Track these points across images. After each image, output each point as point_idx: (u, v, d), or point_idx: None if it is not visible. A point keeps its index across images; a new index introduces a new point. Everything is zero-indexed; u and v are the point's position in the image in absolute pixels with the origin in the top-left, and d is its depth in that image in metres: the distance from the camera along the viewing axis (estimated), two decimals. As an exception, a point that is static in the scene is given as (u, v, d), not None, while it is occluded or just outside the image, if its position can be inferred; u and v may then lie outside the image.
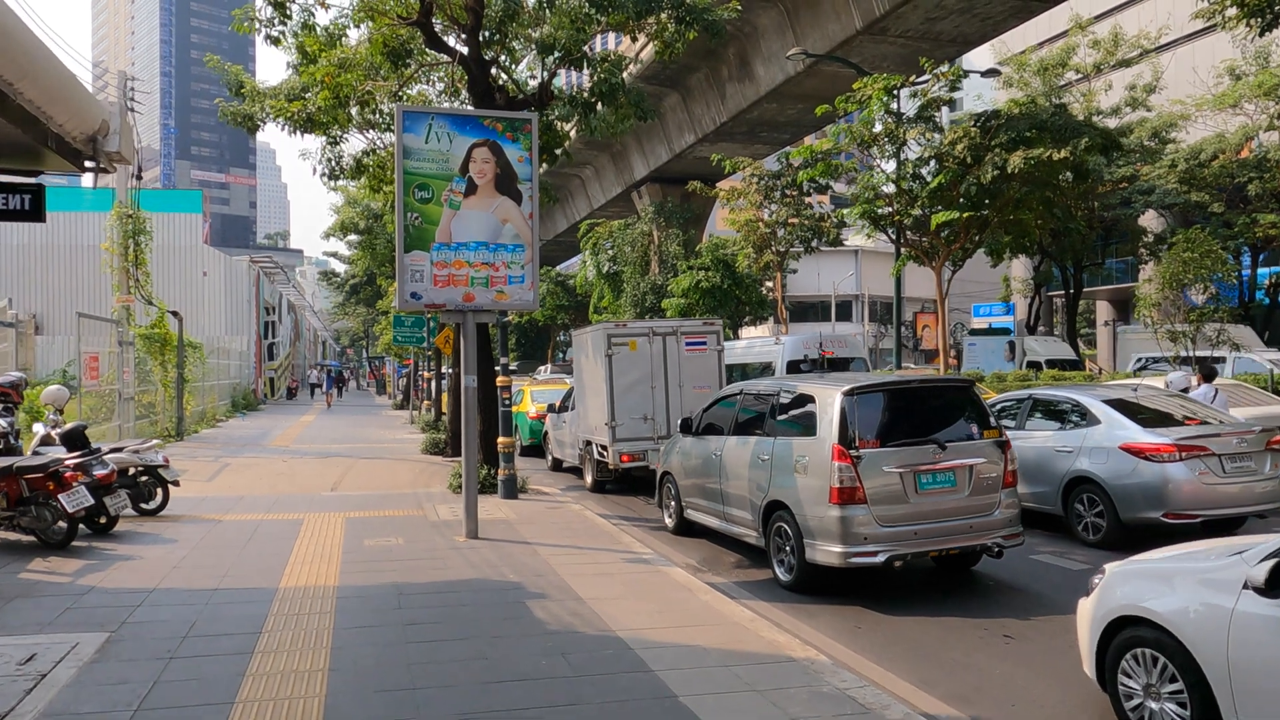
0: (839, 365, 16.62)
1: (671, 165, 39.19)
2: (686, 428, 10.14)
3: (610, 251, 46.88)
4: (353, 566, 7.79)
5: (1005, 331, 45.23)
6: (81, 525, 8.94)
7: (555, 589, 7.07)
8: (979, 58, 43.20)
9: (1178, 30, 35.73)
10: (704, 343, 13.68)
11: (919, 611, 7.09)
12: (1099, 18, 35.93)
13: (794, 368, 16.29)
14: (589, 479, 14.37)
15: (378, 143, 15.02)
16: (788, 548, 7.89)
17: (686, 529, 10.29)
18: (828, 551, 7.36)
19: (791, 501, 7.80)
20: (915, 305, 74.31)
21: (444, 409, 24.20)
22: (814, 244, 30.68)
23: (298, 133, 14.08)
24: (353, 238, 41.38)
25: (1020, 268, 43.18)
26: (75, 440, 9.01)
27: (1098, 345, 49.45)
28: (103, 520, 8.96)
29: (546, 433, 17.58)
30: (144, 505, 10.11)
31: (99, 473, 8.72)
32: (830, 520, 7.34)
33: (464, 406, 9.29)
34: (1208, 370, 12.21)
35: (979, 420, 7.83)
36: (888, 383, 7.94)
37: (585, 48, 12.68)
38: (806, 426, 7.90)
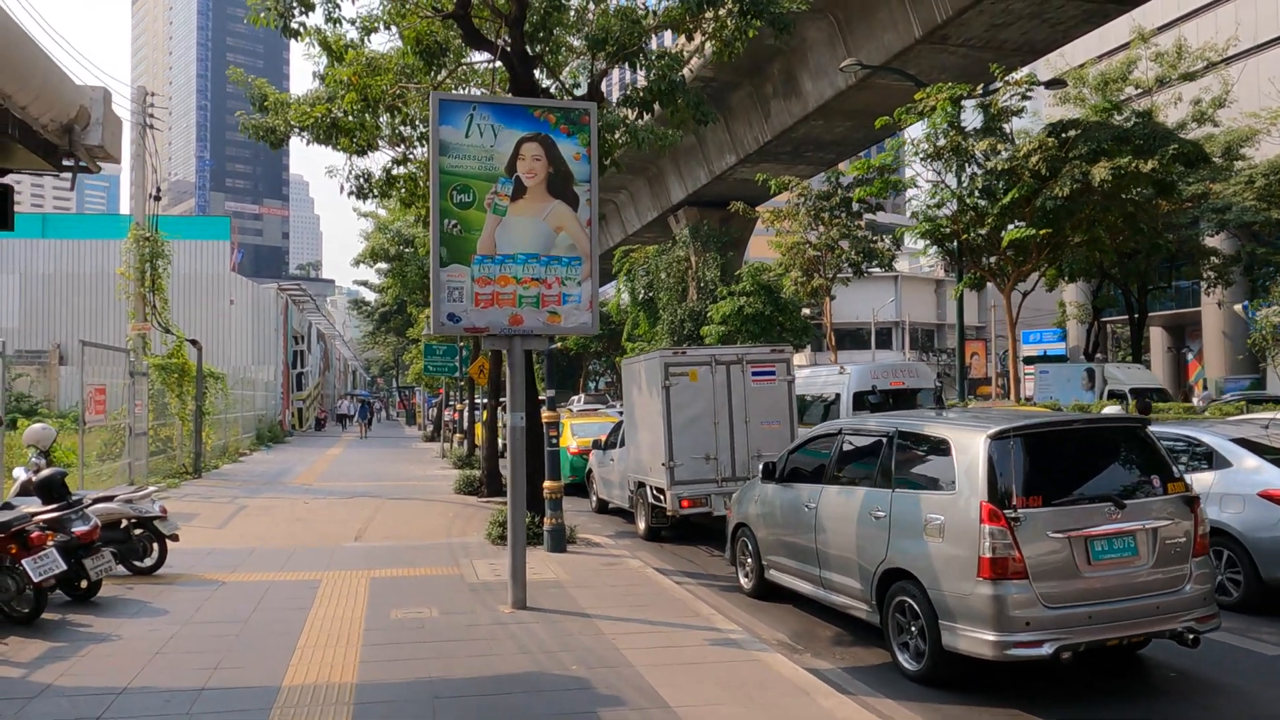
0: (907, 397, 15.01)
1: (710, 188, 37.84)
2: (769, 473, 8.59)
3: (646, 278, 45.60)
4: (376, 651, 6.30)
5: (1061, 359, 43.22)
6: (60, 590, 7.56)
7: (631, 689, 5.53)
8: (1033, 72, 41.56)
9: (1248, 40, 33.94)
10: (772, 372, 12.16)
11: (1096, 717, 5.48)
12: (1161, 29, 34.24)
13: (861, 400, 14.72)
14: (642, 525, 12.83)
15: (410, 155, 13.72)
16: (914, 628, 6.31)
17: (767, 592, 8.73)
18: (975, 639, 5.77)
19: (920, 571, 6.22)
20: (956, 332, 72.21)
21: (478, 441, 22.83)
22: (865, 267, 29.08)
23: (322, 143, 12.82)
24: (382, 265, 40.53)
25: (1074, 292, 41.28)
26: (53, 490, 7.66)
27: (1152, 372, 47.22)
28: (83, 585, 7.56)
29: (590, 470, 16.08)
30: (137, 563, 8.72)
31: (78, 529, 7.33)
32: (979, 599, 5.76)
33: (510, 450, 7.82)
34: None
35: (1159, 469, 6.22)
36: (1046, 424, 6.35)
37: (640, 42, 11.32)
38: (938, 478, 6.34)
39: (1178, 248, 31.04)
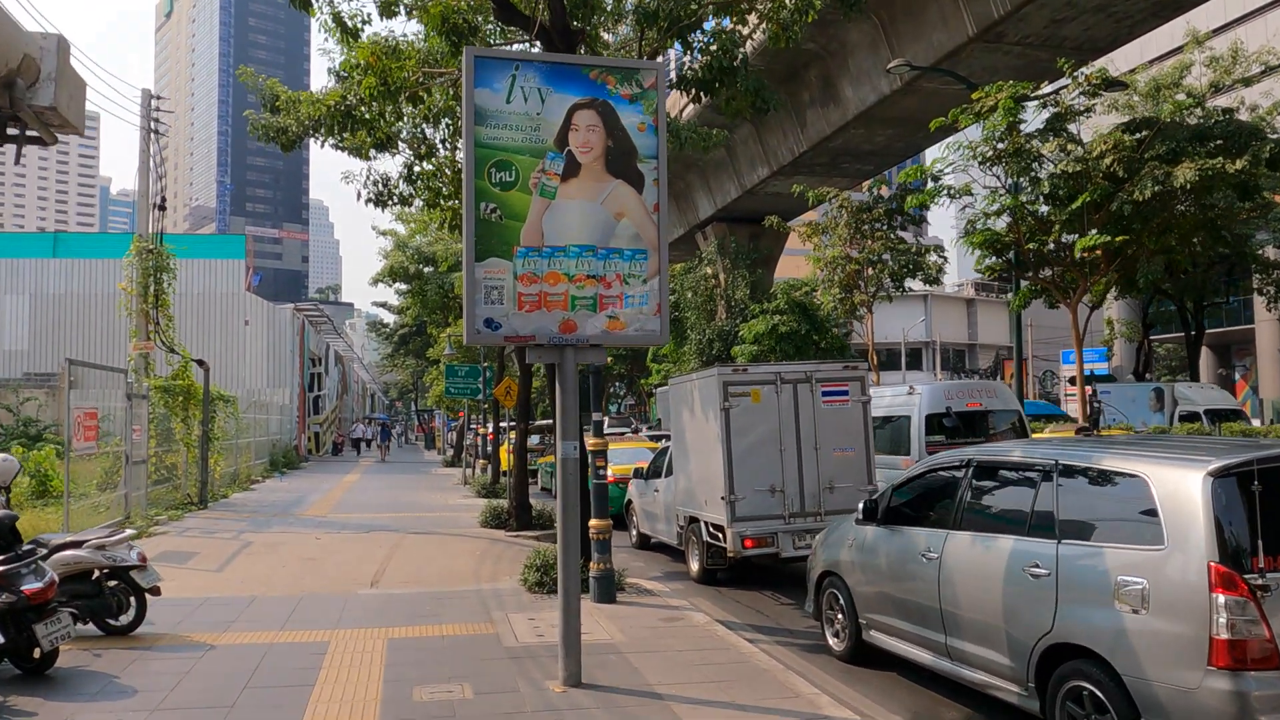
0: (984, 420, 13.46)
1: (740, 202, 36.46)
2: (870, 513, 7.09)
3: (672, 296, 44.24)
4: (395, 752, 4.83)
5: (1108, 379, 41.37)
6: (9, 661, 6.15)
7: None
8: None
9: (1310, 42, 32.29)
10: (845, 392, 10.67)
11: None
12: (1217, 31, 32.72)
13: (934, 424, 13.19)
14: (694, 566, 11.31)
15: (434, 154, 12.38)
16: (1098, 725, 4.79)
17: (864, 656, 7.22)
18: (1205, 751, 4.24)
19: (1109, 651, 4.71)
20: (988, 352, 70.41)
21: (504, 467, 21.39)
22: (909, 283, 27.55)
23: (337, 137, 11.52)
24: (401, 286, 39.33)
25: (1119, 309, 39.54)
26: (1, 538, 6.26)
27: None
28: (36, 655, 6.14)
29: (629, 502, 14.59)
30: (111, 621, 7.30)
31: (28, 587, 5.92)
32: (1210, 696, 4.24)
33: (560, 487, 6.38)
34: None
35: None
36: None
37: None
38: (1133, 527, 4.83)
39: (1235, 260, 29.37)
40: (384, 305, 64.75)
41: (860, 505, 7.22)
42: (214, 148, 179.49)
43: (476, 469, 25.54)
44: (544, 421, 35.66)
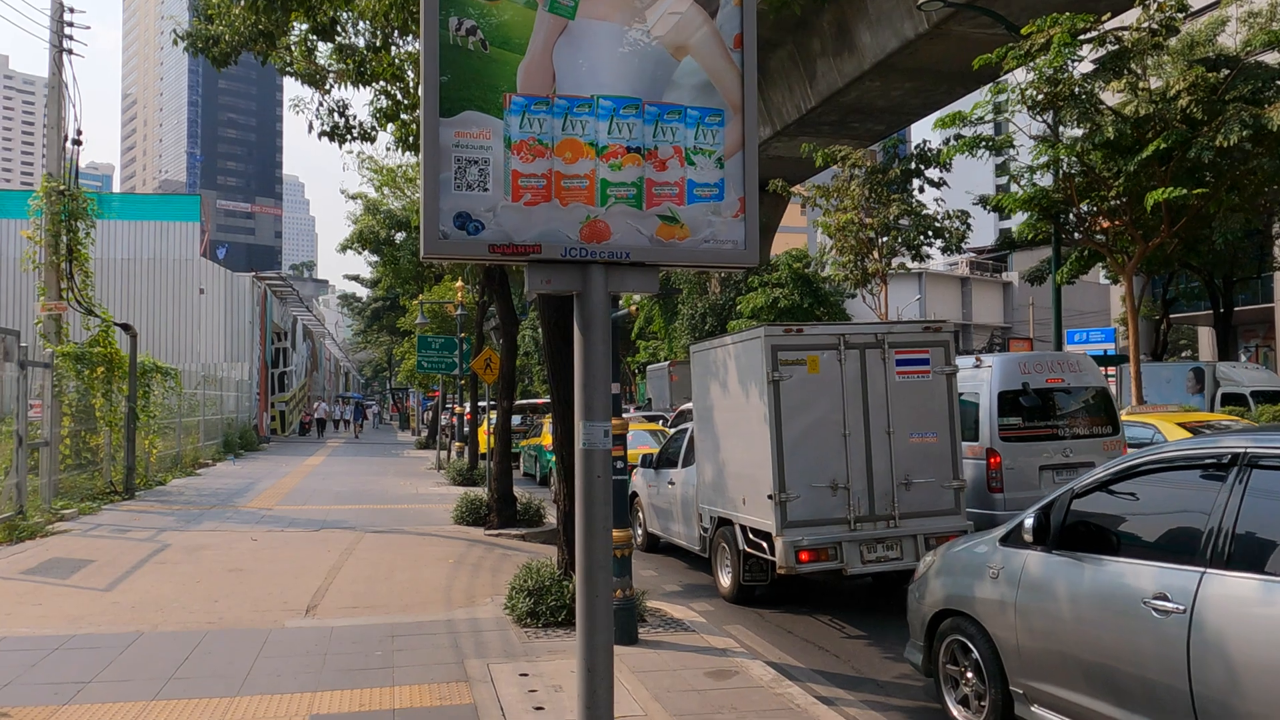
0: (1066, 398, 11.15)
1: (738, 167, 34.07)
2: (1039, 531, 4.73)
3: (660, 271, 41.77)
4: None
5: (1121, 360, 39.36)
6: None
7: None
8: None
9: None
10: (925, 360, 8.32)
11: None
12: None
13: (1007, 402, 10.87)
14: (726, 581, 8.95)
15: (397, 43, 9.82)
16: None
17: (1016, 737, 4.89)
18: None
19: None
20: (983, 333, 68.46)
21: (483, 449, 18.94)
22: (928, 250, 25.23)
23: (274, 31, 8.96)
24: (373, 258, 36.53)
25: (1120, 287, 37.44)
26: None
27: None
28: None
29: (635, 495, 12.19)
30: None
31: None
32: None
33: (582, 493, 3.93)
34: None
35: None
36: None
37: None
38: None
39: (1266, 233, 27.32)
40: (356, 279, 62.02)
41: (1027, 522, 4.83)
42: (184, 118, 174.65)
43: (452, 452, 23.07)
44: (525, 401, 33.20)
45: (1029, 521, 4.78)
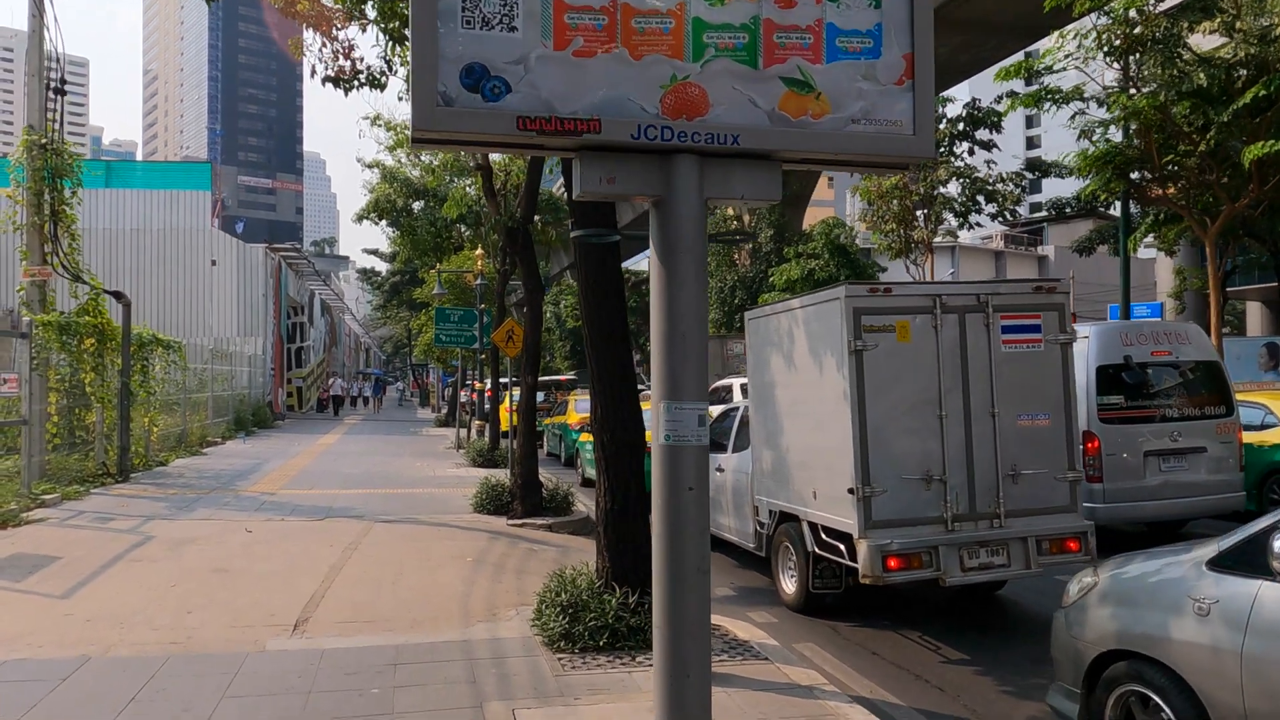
0: (1174, 374, 9.69)
1: (770, 133, 32.53)
2: (1291, 559, 3.36)
3: (687, 242, 40.34)
4: None
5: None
6: None
7: None
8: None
9: None
10: (1036, 327, 6.92)
11: None
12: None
13: (1108, 378, 9.46)
14: (789, 588, 7.63)
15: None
16: None
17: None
18: None
19: None
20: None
21: (505, 427, 17.70)
22: (976, 217, 23.63)
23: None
24: (390, 231, 35.25)
25: (1184, 257, 35.52)
26: None
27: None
28: None
29: (674, 481, 10.87)
30: None
31: None
32: None
33: (661, 508, 2.56)
34: None
35: None
36: None
37: None
38: None
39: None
40: (375, 253, 60.88)
41: (1275, 542, 3.46)
42: (204, 94, 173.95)
43: (472, 431, 21.86)
44: (547, 378, 31.93)
45: (1279, 544, 3.41)
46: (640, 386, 23.14)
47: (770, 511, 8.02)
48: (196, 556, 8.38)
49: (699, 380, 2.39)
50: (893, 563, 6.36)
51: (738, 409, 9.55)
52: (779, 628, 6.92)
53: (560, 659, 5.44)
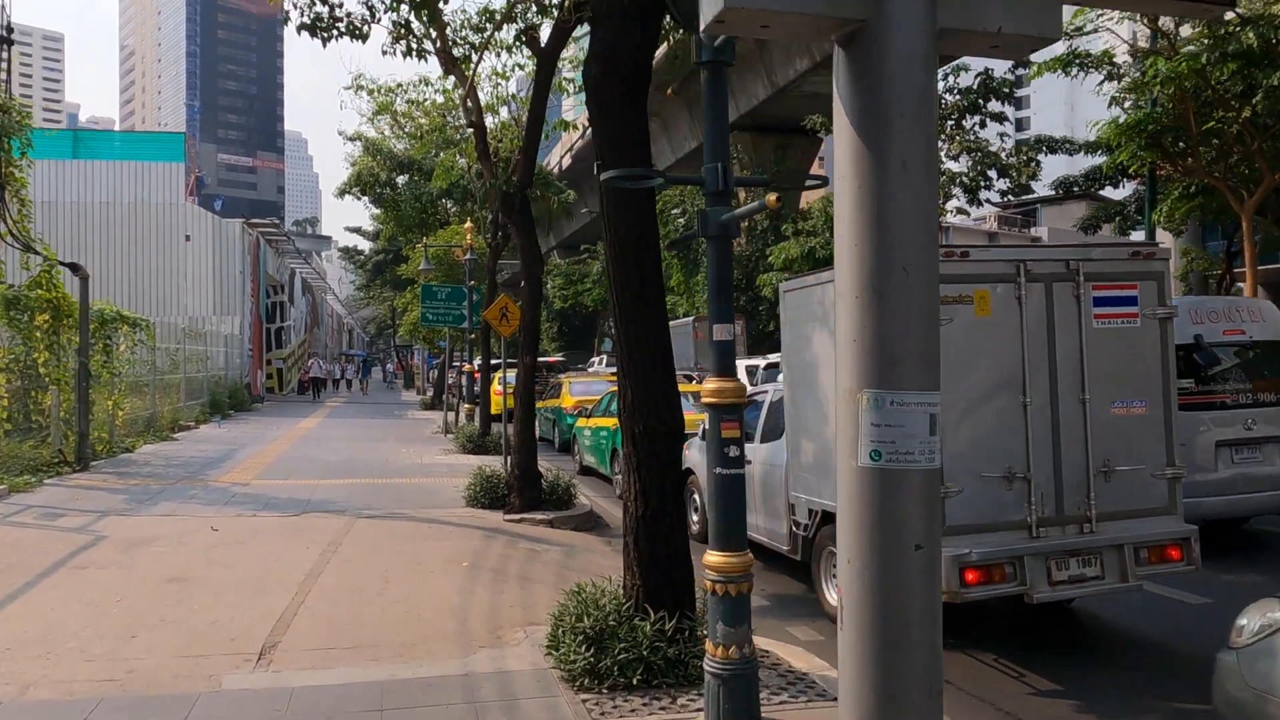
0: (1249, 353, 8.76)
1: (768, 106, 31.32)
2: None
3: (680, 219, 39.14)
4: None
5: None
6: None
7: None
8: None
9: None
10: (1133, 299, 5.93)
11: None
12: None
13: (1175, 358, 8.50)
14: (835, 599, 6.65)
15: None
16: None
17: None
18: None
19: None
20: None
21: (495, 409, 16.65)
22: (987, 193, 22.65)
23: None
24: (374, 210, 33.94)
25: (1190, 238, 34.70)
26: None
27: None
28: None
29: (689, 471, 9.85)
30: None
31: None
32: None
33: (870, 593, 1.50)
34: None
35: None
36: None
37: None
38: None
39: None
40: (358, 230, 59.36)
41: None
42: (182, 69, 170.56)
43: (461, 414, 20.78)
44: (545, 359, 30.84)
45: None
46: (602, 365, 21.88)
47: (810, 510, 7.03)
48: (151, 562, 7.31)
49: (928, 353, 1.36)
50: (971, 576, 5.40)
51: (767, 393, 8.54)
52: (826, 647, 5.93)
53: (585, 700, 4.43)
